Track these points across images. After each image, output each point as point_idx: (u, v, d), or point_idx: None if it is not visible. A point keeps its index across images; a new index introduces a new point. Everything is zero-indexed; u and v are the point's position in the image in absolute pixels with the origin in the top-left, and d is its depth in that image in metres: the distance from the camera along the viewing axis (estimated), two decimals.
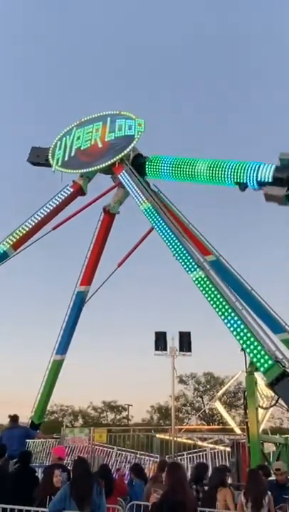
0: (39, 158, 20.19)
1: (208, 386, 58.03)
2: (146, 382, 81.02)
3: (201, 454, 18.96)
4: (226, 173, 15.57)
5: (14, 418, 12.82)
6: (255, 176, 14.82)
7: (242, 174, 15.16)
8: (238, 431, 24.28)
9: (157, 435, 22.02)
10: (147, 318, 72.07)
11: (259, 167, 14.77)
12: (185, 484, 6.44)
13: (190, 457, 18.76)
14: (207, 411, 53.62)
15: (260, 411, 22.38)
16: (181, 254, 14.37)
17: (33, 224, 18.30)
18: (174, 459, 17.83)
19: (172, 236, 14.98)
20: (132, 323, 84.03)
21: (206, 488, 8.81)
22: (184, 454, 19.01)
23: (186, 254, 14.34)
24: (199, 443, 21.93)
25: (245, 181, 15.13)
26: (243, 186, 15.32)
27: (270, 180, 14.50)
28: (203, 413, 53.32)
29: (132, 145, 18.32)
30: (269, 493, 8.09)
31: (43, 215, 18.47)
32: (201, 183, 16.84)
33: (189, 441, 21.78)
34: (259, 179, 14.74)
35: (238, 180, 15.27)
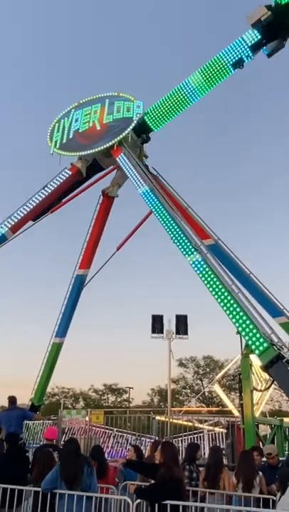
0: None
1: (207, 369, 58.47)
2: (147, 365, 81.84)
3: (198, 435, 19.20)
4: (220, 66, 16.12)
5: (12, 399, 12.89)
6: (245, 46, 15.55)
7: (233, 53, 15.81)
8: (236, 413, 24.45)
9: (157, 417, 22.21)
10: (148, 301, 72.46)
11: (244, 38, 15.51)
12: (178, 461, 6.53)
13: (187, 439, 18.99)
14: (206, 394, 54.09)
15: (259, 393, 22.62)
16: (179, 238, 14.31)
17: (32, 207, 18.23)
18: (170, 441, 18.07)
19: (170, 219, 14.90)
20: (134, 305, 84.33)
21: (200, 468, 8.92)
22: (181, 436, 19.23)
23: (184, 238, 14.28)
24: (197, 425, 22.12)
25: (239, 58, 15.76)
26: (240, 64, 15.94)
27: (260, 36, 15.27)
28: (202, 396, 53.77)
29: (131, 127, 18.15)
30: (260, 473, 8.18)
31: (41, 198, 18.38)
32: (203, 94, 17.22)
33: (188, 423, 21.92)
34: (250, 45, 15.44)
35: (233, 60, 15.88)
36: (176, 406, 44.98)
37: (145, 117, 18.23)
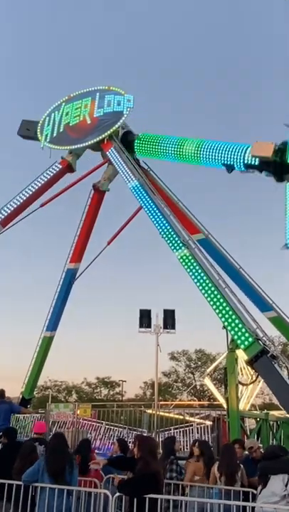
0: (29, 132, 19.96)
1: (199, 363, 58.76)
2: (140, 359, 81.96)
3: (187, 428, 19.33)
4: (213, 154, 15.39)
5: (0, 393, 12.95)
6: (242, 158, 14.63)
7: (229, 156, 14.95)
8: (226, 406, 24.60)
9: (147, 411, 22.34)
10: (139, 295, 72.54)
11: (247, 149, 14.59)
12: (156, 455, 6.58)
13: (177, 432, 19.13)
14: (198, 387, 54.40)
15: (249, 387, 22.76)
16: (167, 233, 14.36)
17: (22, 201, 18.19)
18: (163, 434, 18.23)
19: (159, 214, 14.95)
20: (126, 298, 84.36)
21: (180, 461, 8.97)
22: (170, 429, 19.36)
23: (172, 233, 14.33)
24: (188, 418, 22.24)
25: (232, 163, 14.99)
26: (230, 168, 15.18)
27: (257, 163, 14.32)
28: (194, 389, 54.07)
29: (121, 121, 18.18)
30: (242, 466, 8.27)
31: (31, 192, 18.36)
32: (189, 163, 16.73)
33: (178, 417, 22.06)
34: (246, 162, 14.58)
35: (226, 162, 15.14)
36: (168, 399, 45.29)
37: (136, 141, 18.08)
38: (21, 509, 7.07)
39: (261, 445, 10.51)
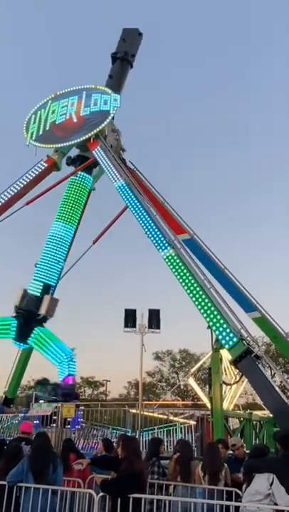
0: None
1: (183, 363, 58.84)
2: (124, 359, 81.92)
3: (171, 428, 19.32)
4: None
5: None
6: None
7: None
8: (210, 406, 24.67)
9: (131, 410, 22.27)
10: (123, 294, 72.54)
11: None
12: (139, 454, 6.58)
13: (160, 431, 19.10)
14: (182, 387, 54.48)
15: (233, 387, 22.88)
16: (153, 233, 14.39)
17: (6, 199, 18.06)
18: (147, 434, 18.21)
19: (144, 214, 14.97)
20: (110, 298, 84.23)
21: (162, 461, 8.93)
22: (154, 429, 19.33)
23: (158, 233, 14.37)
24: (172, 418, 22.24)
25: None
26: None
27: None
28: (178, 389, 54.14)
29: (108, 120, 18.17)
30: (226, 465, 8.30)
31: (16, 190, 18.23)
32: None
33: (162, 416, 22.05)
34: None
35: None
36: (152, 399, 45.31)
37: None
38: (5, 509, 7.03)
39: (244, 444, 10.54)
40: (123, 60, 20.28)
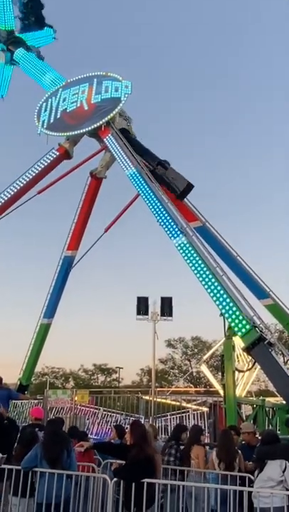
0: None
1: (196, 350, 59.03)
2: (137, 346, 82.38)
3: (184, 415, 19.50)
4: None
5: None
6: None
7: None
8: (222, 393, 24.77)
9: (144, 397, 22.48)
10: (136, 282, 72.73)
11: None
12: (149, 440, 6.64)
13: (173, 418, 19.31)
14: (194, 374, 54.72)
15: (246, 374, 22.96)
16: (165, 220, 14.35)
17: (18, 188, 18.11)
18: (160, 420, 18.42)
19: (156, 202, 14.91)
20: (123, 285, 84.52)
21: (181, 447, 9.14)
22: (167, 415, 19.53)
23: (170, 220, 14.32)
24: (184, 404, 22.42)
25: None
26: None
27: None
28: (190, 376, 54.41)
29: (119, 107, 18.05)
30: (240, 452, 8.37)
31: (28, 179, 18.26)
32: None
33: (175, 403, 22.25)
34: None
35: None
36: (164, 386, 45.56)
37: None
38: (21, 494, 7.17)
39: (257, 430, 10.57)
40: None
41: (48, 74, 20.53)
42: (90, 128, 18.19)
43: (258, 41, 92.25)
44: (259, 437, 9.14)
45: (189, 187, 16.85)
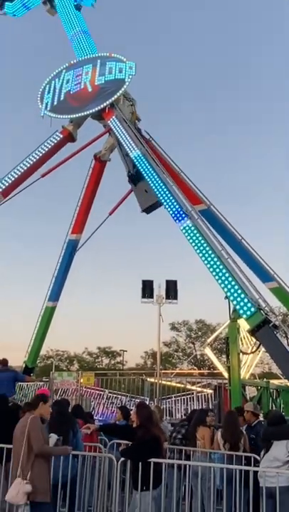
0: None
1: (199, 333, 59.37)
2: (141, 329, 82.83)
3: (188, 396, 19.67)
4: None
5: (3, 362, 13.12)
6: None
7: None
8: (226, 375, 24.95)
9: (148, 379, 22.67)
10: (140, 265, 72.83)
11: None
12: (154, 420, 6.71)
13: (178, 400, 19.49)
14: (198, 356, 55.10)
15: (250, 356, 23.07)
16: (170, 203, 14.29)
17: (22, 171, 17.99)
18: (165, 402, 18.58)
19: (161, 184, 14.84)
20: (127, 269, 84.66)
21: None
22: (172, 397, 19.70)
23: (175, 203, 14.26)
24: (188, 386, 22.60)
25: None
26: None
27: None
28: (194, 358, 54.80)
29: (123, 89, 17.85)
30: (244, 433, 8.45)
31: (32, 162, 18.14)
32: None
33: (179, 385, 22.44)
34: None
35: None
36: (168, 368, 45.90)
37: None
38: None
39: (261, 411, 10.65)
40: None
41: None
42: (93, 110, 18.01)
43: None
44: (260, 418, 9.25)
45: (156, 205, 16.74)
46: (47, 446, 5.98)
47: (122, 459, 6.93)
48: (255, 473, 6.77)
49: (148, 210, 17.43)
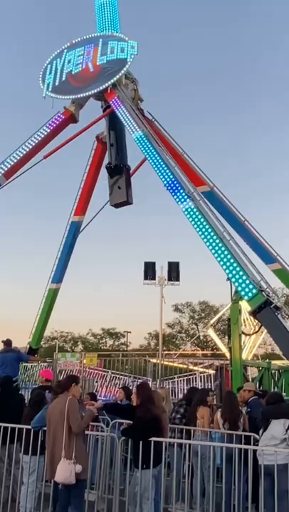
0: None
1: (203, 314, 59.66)
2: (145, 310, 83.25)
3: (191, 377, 19.87)
4: None
5: (7, 342, 13.26)
6: None
7: None
8: (229, 356, 25.11)
9: (151, 360, 22.86)
10: (143, 246, 72.90)
11: None
12: (154, 400, 6.81)
13: (180, 380, 19.69)
14: (201, 338, 55.44)
15: (252, 337, 23.20)
16: (172, 185, 14.21)
17: (24, 152, 17.88)
18: (168, 383, 18.78)
19: (163, 166, 14.73)
20: (130, 250, 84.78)
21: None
22: (174, 378, 19.90)
23: (177, 185, 14.18)
24: (191, 367, 22.79)
25: None
26: None
27: None
28: (197, 339, 55.15)
29: (125, 69, 17.62)
30: (244, 412, 8.57)
31: (34, 144, 18.01)
32: None
33: (182, 366, 22.63)
34: None
35: None
36: (172, 350, 46.26)
37: None
38: (31, 452, 7.42)
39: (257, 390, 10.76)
40: None
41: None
42: (95, 91, 17.80)
43: None
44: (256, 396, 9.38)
45: (126, 203, 17.50)
46: (81, 422, 6.25)
47: (124, 437, 7.05)
48: (255, 452, 6.90)
49: (117, 206, 17.99)
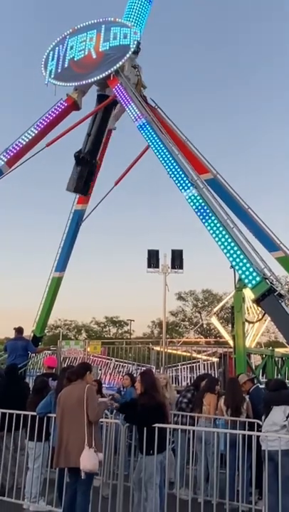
0: None
1: (206, 302, 59.80)
2: (148, 298, 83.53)
3: (194, 365, 19.96)
4: None
5: (19, 330, 13.35)
6: None
7: None
8: (232, 344, 25.18)
9: (155, 348, 22.96)
10: (147, 235, 72.89)
11: None
12: (157, 387, 6.85)
13: (184, 368, 19.79)
14: (205, 326, 55.61)
15: (256, 325, 23.22)
16: (175, 172, 14.14)
17: (27, 140, 17.79)
18: (171, 370, 18.87)
19: (167, 153, 14.65)
20: (135, 239, 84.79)
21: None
22: (178, 365, 20.00)
23: (180, 172, 14.10)
24: (194, 355, 22.89)
25: None
26: None
27: None
28: (200, 327, 55.32)
29: (128, 55, 17.44)
30: (247, 398, 8.62)
31: (36, 131, 17.91)
32: None
33: (185, 353, 22.73)
34: None
35: None
36: (175, 337, 46.45)
37: None
38: (36, 439, 7.48)
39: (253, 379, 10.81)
40: None
41: None
42: (98, 77, 17.64)
43: None
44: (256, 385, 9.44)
45: (75, 191, 18.60)
46: (99, 411, 6.24)
47: (128, 424, 7.09)
48: (258, 438, 6.95)
49: (72, 191, 18.79)
